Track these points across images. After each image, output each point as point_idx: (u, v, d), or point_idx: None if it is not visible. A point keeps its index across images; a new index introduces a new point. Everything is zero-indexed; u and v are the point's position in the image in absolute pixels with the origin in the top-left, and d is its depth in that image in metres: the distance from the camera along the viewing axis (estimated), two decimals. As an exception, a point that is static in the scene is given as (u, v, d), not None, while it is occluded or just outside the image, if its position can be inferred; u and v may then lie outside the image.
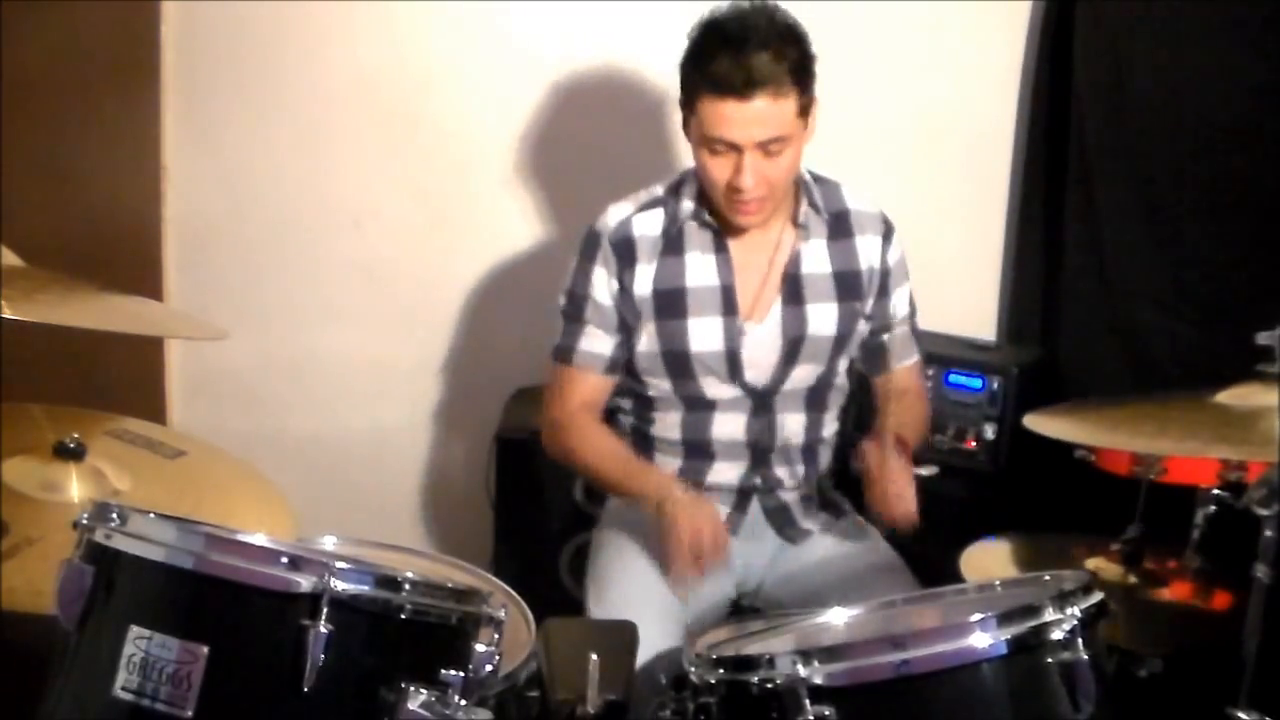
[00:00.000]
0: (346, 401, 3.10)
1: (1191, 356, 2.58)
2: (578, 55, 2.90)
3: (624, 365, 2.20)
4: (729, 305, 2.14)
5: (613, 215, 2.17)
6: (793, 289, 2.16)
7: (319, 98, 2.96)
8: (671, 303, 2.14)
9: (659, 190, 2.19)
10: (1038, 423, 1.83)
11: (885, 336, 2.24)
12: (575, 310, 2.17)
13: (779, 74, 1.95)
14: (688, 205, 2.15)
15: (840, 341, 2.19)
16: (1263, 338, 1.73)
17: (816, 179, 2.19)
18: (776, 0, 2.06)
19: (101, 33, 2.73)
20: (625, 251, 2.14)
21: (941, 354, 2.65)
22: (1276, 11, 2.47)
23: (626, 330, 2.16)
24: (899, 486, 1.99)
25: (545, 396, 2.25)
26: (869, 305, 2.21)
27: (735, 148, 1.99)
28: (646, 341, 2.16)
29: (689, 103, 2.04)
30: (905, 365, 2.28)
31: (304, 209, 3.02)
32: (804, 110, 2.01)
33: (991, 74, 2.92)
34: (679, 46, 2.11)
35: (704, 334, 2.14)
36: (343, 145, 2.99)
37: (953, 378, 2.67)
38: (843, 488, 2.31)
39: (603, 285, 2.15)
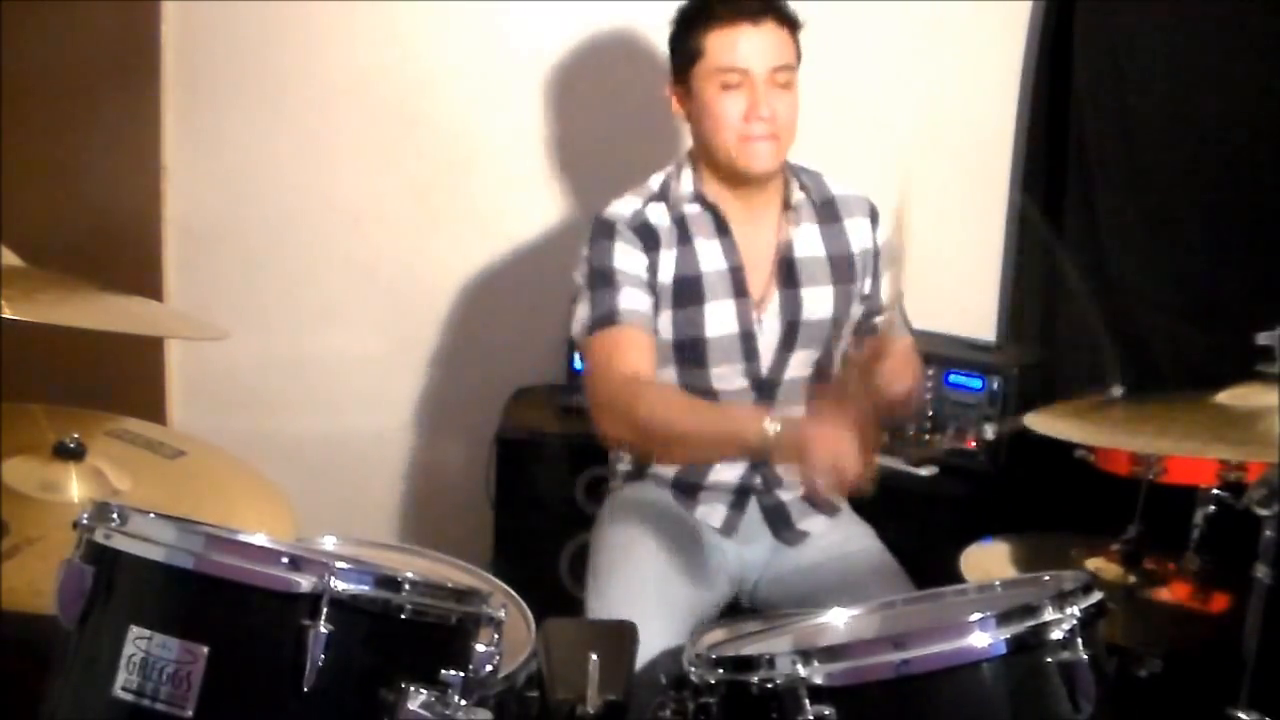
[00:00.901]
0: (346, 401, 3.10)
1: (1191, 356, 2.59)
2: (577, 55, 2.90)
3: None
4: (739, 287, 2.14)
5: (623, 206, 2.15)
6: (788, 273, 2.17)
7: (319, 98, 2.96)
8: (689, 289, 2.12)
9: (654, 185, 2.18)
10: (1039, 422, 1.83)
11: (878, 319, 2.25)
12: (604, 278, 2.08)
13: (780, 5, 2.08)
14: (686, 189, 2.15)
15: (836, 325, 2.20)
16: (1263, 338, 1.73)
17: (800, 169, 2.20)
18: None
19: (101, 33, 2.72)
20: (648, 236, 2.11)
21: (941, 354, 2.64)
22: (1277, 13, 2.47)
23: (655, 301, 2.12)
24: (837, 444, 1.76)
25: (592, 375, 2.07)
26: (865, 286, 2.23)
27: (748, 77, 2.04)
28: (660, 330, 2.14)
29: (693, 55, 2.07)
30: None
31: (304, 208, 3.02)
32: (799, 57, 2.10)
33: (991, 74, 2.92)
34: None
35: (719, 318, 2.13)
36: (343, 145, 2.99)
37: (953, 378, 2.67)
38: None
39: (628, 256, 2.09)
